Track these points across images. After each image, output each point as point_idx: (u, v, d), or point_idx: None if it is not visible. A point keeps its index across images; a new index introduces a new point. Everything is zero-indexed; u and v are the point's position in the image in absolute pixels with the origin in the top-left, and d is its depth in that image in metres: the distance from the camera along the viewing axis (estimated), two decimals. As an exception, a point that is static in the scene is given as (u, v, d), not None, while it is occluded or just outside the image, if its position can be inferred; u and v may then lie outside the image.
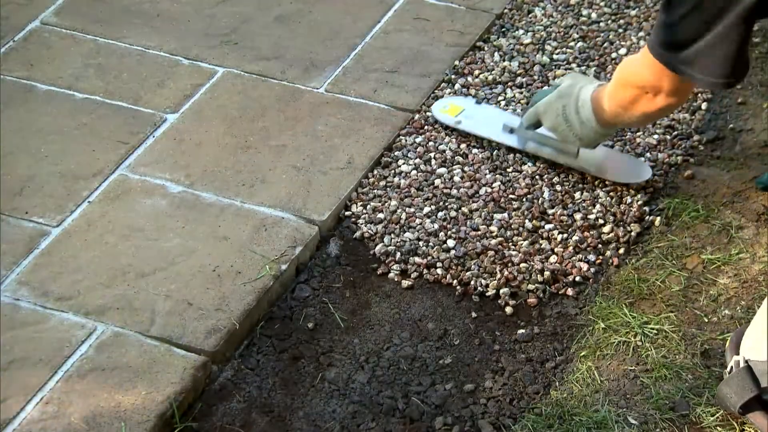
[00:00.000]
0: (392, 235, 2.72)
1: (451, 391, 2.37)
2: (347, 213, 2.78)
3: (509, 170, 2.89)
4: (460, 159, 2.93)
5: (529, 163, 2.90)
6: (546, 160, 2.87)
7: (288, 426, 2.29)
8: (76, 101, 3.08)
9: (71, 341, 2.40)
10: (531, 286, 2.59)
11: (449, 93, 3.15)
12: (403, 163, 2.92)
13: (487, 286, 2.59)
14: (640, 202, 2.79)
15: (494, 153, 2.94)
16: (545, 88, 2.99)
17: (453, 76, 3.22)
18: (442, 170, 2.89)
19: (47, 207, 2.74)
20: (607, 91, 2.59)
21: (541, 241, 2.70)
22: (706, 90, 3.12)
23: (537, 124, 2.82)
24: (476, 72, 3.24)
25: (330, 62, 3.26)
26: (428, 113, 3.07)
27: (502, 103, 3.12)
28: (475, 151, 2.95)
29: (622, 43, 3.34)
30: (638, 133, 3.00)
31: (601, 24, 3.43)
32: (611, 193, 2.81)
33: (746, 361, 2.19)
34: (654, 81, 2.40)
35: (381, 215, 2.77)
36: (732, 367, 2.22)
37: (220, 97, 3.12)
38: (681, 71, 2.30)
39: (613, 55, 3.30)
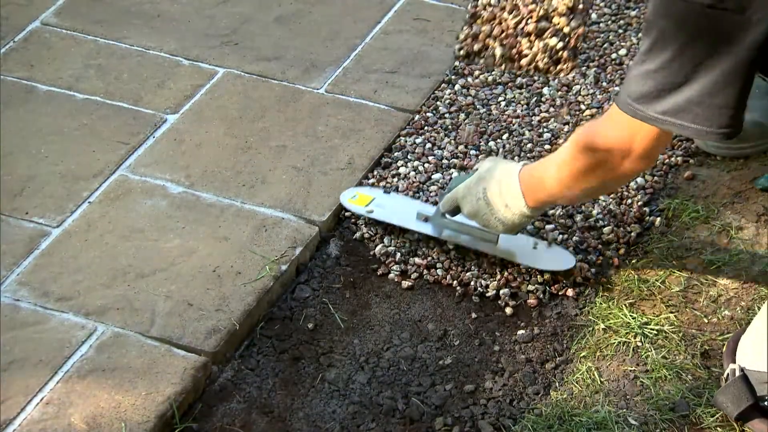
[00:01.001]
0: (392, 236, 2.72)
1: (451, 391, 2.37)
2: (347, 214, 2.78)
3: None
4: (458, 162, 2.92)
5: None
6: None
7: (288, 426, 2.30)
8: (77, 102, 3.08)
9: (71, 342, 2.40)
10: (531, 287, 2.59)
11: (449, 93, 3.15)
12: (402, 165, 2.92)
13: (487, 286, 2.59)
14: (640, 203, 2.79)
15: (493, 154, 2.94)
16: (462, 173, 2.72)
17: (453, 77, 3.23)
18: (438, 175, 2.88)
19: (47, 207, 2.74)
20: (556, 161, 2.30)
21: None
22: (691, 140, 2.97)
23: (455, 211, 2.57)
24: (476, 72, 3.24)
25: (330, 63, 3.26)
26: (428, 114, 3.07)
27: (503, 104, 3.12)
28: (473, 152, 2.95)
29: (622, 43, 3.34)
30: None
31: (601, 25, 3.43)
32: (611, 195, 2.81)
33: (742, 370, 2.19)
34: (624, 142, 2.10)
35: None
36: (728, 374, 2.22)
37: (220, 98, 3.12)
38: (663, 123, 1.99)
39: (613, 56, 3.30)
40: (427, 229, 2.67)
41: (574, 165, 2.24)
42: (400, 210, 2.74)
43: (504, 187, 2.39)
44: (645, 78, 1.97)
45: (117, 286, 2.54)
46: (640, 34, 3.34)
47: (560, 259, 2.62)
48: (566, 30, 2.71)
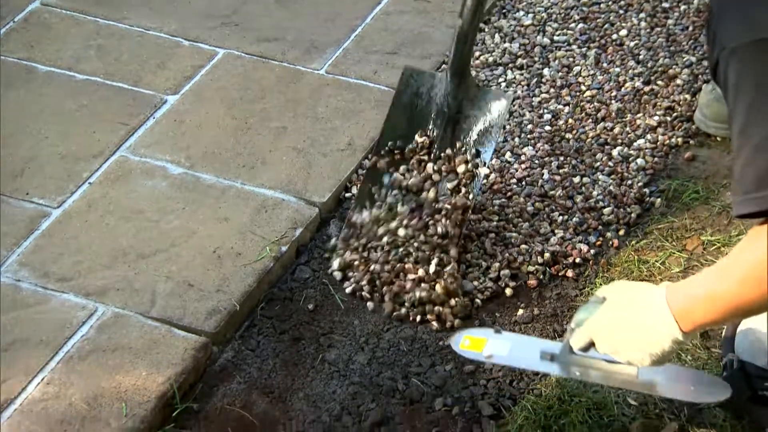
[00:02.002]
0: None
1: (451, 372, 2.37)
2: (347, 195, 2.79)
3: (507, 155, 2.89)
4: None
5: (528, 147, 2.90)
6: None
7: (288, 407, 2.30)
8: (77, 82, 3.08)
9: (72, 322, 2.41)
10: (531, 268, 2.59)
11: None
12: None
13: (487, 268, 2.59)
14: (640, 184, 2.79)
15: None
16: (586, 304, 2.12)
17: (453, 58, 3.22)
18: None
19: (48, 188, 2.74)
20: (735, 276, 1.79)
21: (541, 223, 2.70)
22: None
23: (588, 346, 2.06)
24: (477, 53, 3.23)
25: (330, 44, 3.25)
26: None
27: (503, 84, 3.12)
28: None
29: (623, 24, 3.34)
30: (638, 115, 3.00)
31: (602, 5, 3.42)
32: (612, 176, 2.81)
33: (740, 361, 2.18)
34: None
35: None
36: (726, 363, 2.22)
37: (220, 79, 3.12)
38: None
39: (614, 36, 3.29)
40: (555, 369, 2.19)
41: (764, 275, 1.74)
42: (521, 350, 2.27)
43: (651, 316, 1.90)
44: (755, 157, 1.66)
45: (117, 266, 2.54)
46: (641, 15, 3.34)
47: (714, 390, 2.16)
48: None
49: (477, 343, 2.24)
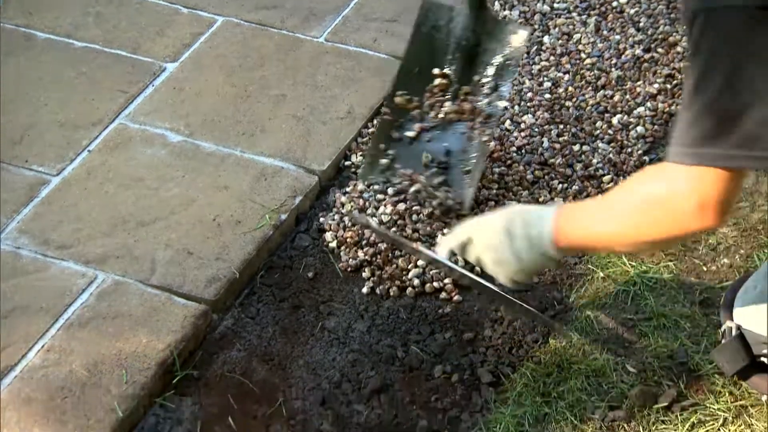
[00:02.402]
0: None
1: (451, 339, 2.38)
2: (347, 163, 2.78)
3: (507, 123, 2.89)
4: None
5: (528, 115, 2.89)
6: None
7: (288, 374, 2.31)
8: (76, 50, 3.07)
9: (72, 289, 2.41)
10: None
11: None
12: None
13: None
14: (640, 152, 2.79)
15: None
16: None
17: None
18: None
19: (47, 156, 2.73)
20: (612, 210, 1.91)
21: (540, 191, 2.69)
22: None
23: (464, 245, 2.10)
24: (477, 21, 3.22)
25: (330, 11, 3.24)
26: None
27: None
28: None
29: (624, -8, 3.33)
30: (638, 83, 2.99)
31: (603, -27, 3.41)
32: (611, 143, 2.80)
33: (739, 328, 2.19)
34: (693, 192, 1.72)
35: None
36: (725, 331, 2.22)
37: (219, 47, 3.11)
38: (736, 160, 1.67)
39: (614, 3, 3.28)
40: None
41: (634, 218, 1.85)
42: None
43: (534, 220, 1.99)
44: (700, 117, 1.67)
45: (117, 234, 2.54)
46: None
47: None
48: None
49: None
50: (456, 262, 2.28)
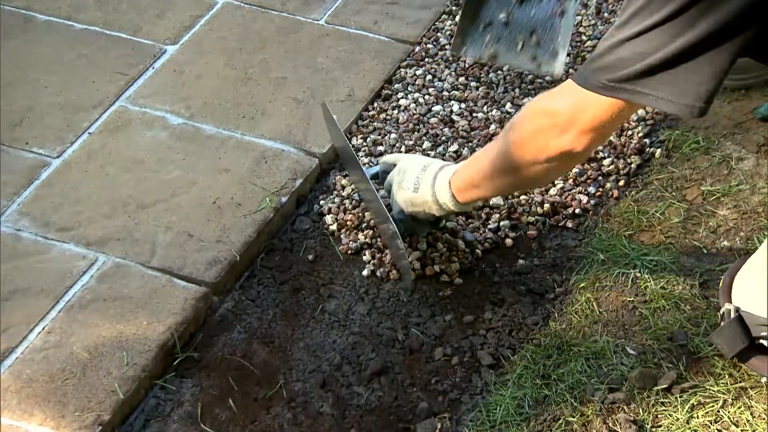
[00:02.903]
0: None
1: (451, 322, 2.38)
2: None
3: (507, 105, 2.89)
4: (458, 93, 2.92)
5: (529, 97, 2.89)
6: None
7: (288, 356, 2.31)
8: (76, 32, 3.07)
9: (73, 272, 2.41)
10: (531, 219, 2.59)
11: (450, 24, 3.14)
12: (403, 97, 2.91)
13: (487, 218, 2.59)
14: (640, 134, 2.79)
15: (492, 86, 2.94)
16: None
17: (454, 8, 3.21)
18: (438, 107, 2.88)
19: (47, 138, 2.73)
20: (506, 137, 2.10)
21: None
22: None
23: (390, 167, 2.48)
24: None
25: (330, -7, 3.24)
26: (429, 45, 3.06)
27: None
28: (473, 84, 2.95)
29: (625, -26, 3.32)
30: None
31: (604, -45, 3.40)
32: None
33: (737, 311, 2.19)
34: (572, 110, 1.92)
35: (381, 148, 2.76)
36: (724, 313, 2.23)
37: (219, 29, 3.10)
38: (630, 93, 1.81)
39: (615, -14, 3.28)
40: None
41: (516, 134, 2.07)
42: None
43: (445, 166, 2.31)
44: (619, 46, 1.80)
45: (117, 216, 2.54)
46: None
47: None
48: None
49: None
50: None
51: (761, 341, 2.17)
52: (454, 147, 2.75)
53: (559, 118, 1.94)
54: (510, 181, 2.16)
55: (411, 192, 2.35)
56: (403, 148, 2.75)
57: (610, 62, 1.81)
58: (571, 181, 2.67)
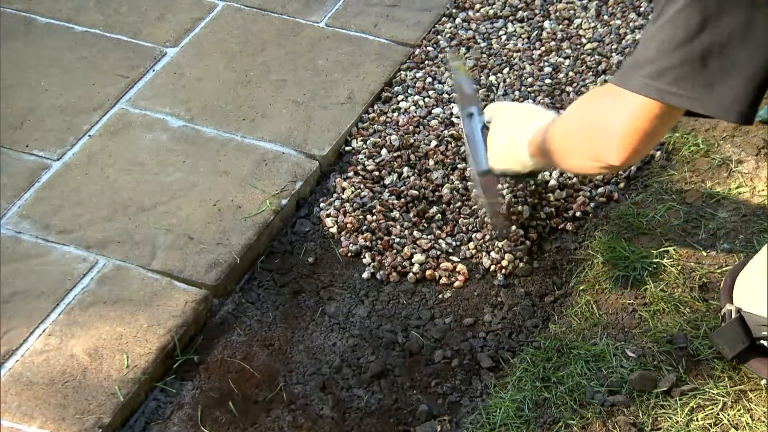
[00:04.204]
0: (392, 170, 2.72)
1: (451, 324, 2.38)
2: (348, 148, 2.78)
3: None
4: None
5: (529, 100, 2.90)
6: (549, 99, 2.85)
7: (288, 359, 2.31)
8: (76, 34, 3.07)
9: (73, 274, 2.41)
10: (531, 222, 2.59)
11: (450, 27, 3.14)
12: (403, 99, 2.91)
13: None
14: (640, 137, 2.79)
15: (492, 88, 2.94)
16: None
17: (454, 11, 3.21)
18: (438, 110, 2.88)
19: (48, 140, 2.74)
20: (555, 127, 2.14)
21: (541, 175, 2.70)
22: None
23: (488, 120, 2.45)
24: (477, 6, 3.23)
25: (330, -4, 3.25)
26: (429, 48, 3.07)
27: (503, 38, 3.11)
28: (474, 87, 2.95)
29: (625, -23, 3.32)
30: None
31: (604, -42, 3.41)
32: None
33: (739, 311, 2.19)
34: (622, 124, 1.85)
35: (384, 151, 2.76)
36: (725, 314, 2.23)
37: (220, 31, 3.11)
38: (665, 93, 1.74)
39: (615, -11, 3.28)
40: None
41: (569, 127, 2.08)
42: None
43: (528, 126, 2.27)
44: (652, 40, 1.74)
45: (118, 219, 2.55)
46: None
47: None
48: None
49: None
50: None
51: (761, 342, 2.17)
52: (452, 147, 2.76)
53: (609, 132, 1.87)
54: (564, 167, 2.19)
55: (498, 149, 2.37)
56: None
57: (649, 56, 1.75)
58: (570, 183, 2.67)
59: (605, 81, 2.94)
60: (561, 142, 2.09)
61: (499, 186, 2.62)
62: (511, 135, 2.32)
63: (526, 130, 2.27)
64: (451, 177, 2.68)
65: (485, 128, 2.44)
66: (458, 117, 2.73)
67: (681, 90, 1.72)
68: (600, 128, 1.90)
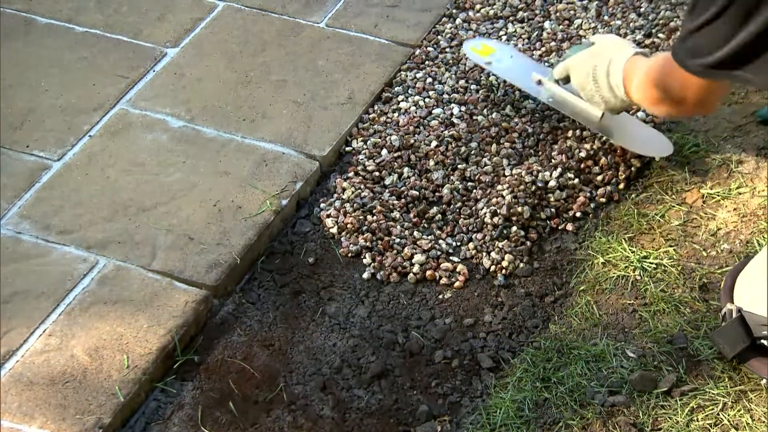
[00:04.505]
0: (392, 170, 2.72)
1: (451, 325, 2.38)
2: (348, 148, 2.78)
3: (508, 108, 2.89)
4: (458, 96, 2.92)
5: (529, 101, 2.89)
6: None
7: (288, 359, 2.31)
8: (76, 34, 3.07)
9: (73, 274, 2.41)
10: (531, 222, 2.59)
11: (450, 27, 3.14)
12: (403, 100, 2.91)
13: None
14: (640, 138, 2.79)
15: (492, 89, 2.94)
16: (580, 43, 2.76)
17: (454, 11, 3.21)
18: (439, 110, 2.88)
19: (48, 141, 2.74)
20: (635, 82, 2.40)
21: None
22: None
23: (566, 80, 2.69)
24: (477, 6, 3.22)
25: (331, -4, 3.25)
26: (429, 48, 3.07)
27: (504, 38, 3.11)
28: (474, 87, 2.95)
29: (625, -23, 3.32)
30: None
31: (604, -42, 3.40)
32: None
33: (739, 311, 2.19)
34: (678, 91, 2.16)
35: (384, 151, 2.76)
36: (725, 314, 2.23)
37: (220, 32, 3.11)
38: (720, 76, 1.97)
39: (616, -11, 3.28)
40: (537, 92, 2.81)
41: (644, 94, 2.36)
42: (518, 68, 2.88)
43: (611, 71, 2.49)
44: (697, 31, 1.92)
45: (118, 219, 2.55)
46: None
47: (659, 146, 2.73)
48: None
49: (486, 50, 2.84)
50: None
51: (762, 341, 2.17)
52: (451, 145, 2.75)
53: (673, 97, 2.20)
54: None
55: (603, 105, 2.59)
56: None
57: (700, 44, 1.94)
58: (571, 183, 2.67)
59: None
60: (652, 92, 2.31)
61: (500, 187, 2.62)
62: (606, 85, 2.53)
63: (615, 77, 2.49)
64: (452, 177, 2.68)
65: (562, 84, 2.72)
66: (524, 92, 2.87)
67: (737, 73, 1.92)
68: (666, 96, 2.23)
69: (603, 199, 2.64)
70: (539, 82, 2.79)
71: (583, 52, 2.60)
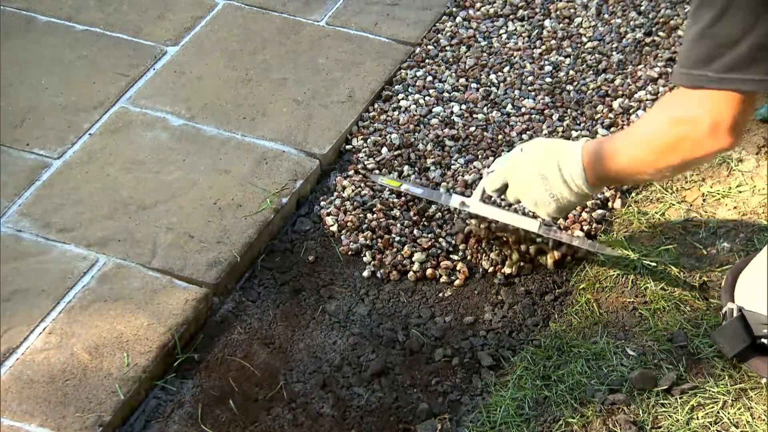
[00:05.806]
0: (392, 169, 2.72)
1: (451, 323, 2.38)
2: (348, 147, 2.78)
3: (508, 107, 2.89)
4: (458, 95, 2.92)
5: (529, 99, 2.89)
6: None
7: (288, 357, 2.31)
8: (77, 33, 3.07)
9: (73, 272, 2.41)
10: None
11: (450, 26, 3.14)
12: (403, 98, 2.91)
13: (487, 219, 2.59)
14: (640, 136, 2.79)
15: (492, 89, 2.94)
16: (504, 155, 2.35)
17: (454, 9, 3.21)
18: (439, 108, 2.88)
19: (48, 139, 2.74)
20: (633, 138, 2.05)
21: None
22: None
23: (501, 190, 2.31)
24: (478, 4, 3.23)
25: (331, -5, 3.25)
26: (429, 47, 3.07)
27: (504, 36, 3.11)
28: (474, 86, 2.95)
29: (625, -24, 3.32)
30: (639, 66, 2.99)
31: (604, -44, 3.40)
32: (612, 128, 2.80)
33: (740, 310, 2.19)
34: (710, 114, 1.85)
35: (384, 149, 2.76)
36: (726, 313, 2.23)
37: (220, 30, 3.11)
38: (729, 83, 1.78)
39: (616, -12, 3.28)
40: (457, 202, 2.43)
41: (654, 142, 1.98)
42: (434, 192, 2.55)
43: (564, 162, 2.13)
44: (699, 39, 1.78)
45: (118, 217, 2.55)
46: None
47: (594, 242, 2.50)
48: None
49: (393, 183, 2.55)
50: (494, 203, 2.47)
51: (762, 341, 2.17)
52: (449, 143, 2.75)
53: (702, 124, 1.86)
54: (656, 174, 2.07)
55: (554, 204, 2.20)
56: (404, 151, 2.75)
57: (700, 55, 1.79)
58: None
59: (605, 80, 2.94)
60: (644, 150, 2.02)
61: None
62: (558, 178, 2.16)
63: (569, 166, 2.14)
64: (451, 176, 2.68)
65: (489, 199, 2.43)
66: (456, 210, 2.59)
67: (754, 75, 1.77)
68: (693, 127, 1.88)
69: (603, 198, 2.64)
70: (463, 204, 2.40)
71: (516, 158, 2.25)
